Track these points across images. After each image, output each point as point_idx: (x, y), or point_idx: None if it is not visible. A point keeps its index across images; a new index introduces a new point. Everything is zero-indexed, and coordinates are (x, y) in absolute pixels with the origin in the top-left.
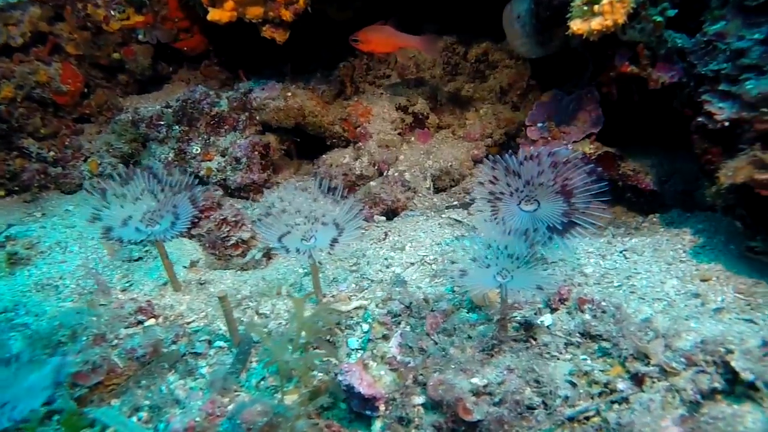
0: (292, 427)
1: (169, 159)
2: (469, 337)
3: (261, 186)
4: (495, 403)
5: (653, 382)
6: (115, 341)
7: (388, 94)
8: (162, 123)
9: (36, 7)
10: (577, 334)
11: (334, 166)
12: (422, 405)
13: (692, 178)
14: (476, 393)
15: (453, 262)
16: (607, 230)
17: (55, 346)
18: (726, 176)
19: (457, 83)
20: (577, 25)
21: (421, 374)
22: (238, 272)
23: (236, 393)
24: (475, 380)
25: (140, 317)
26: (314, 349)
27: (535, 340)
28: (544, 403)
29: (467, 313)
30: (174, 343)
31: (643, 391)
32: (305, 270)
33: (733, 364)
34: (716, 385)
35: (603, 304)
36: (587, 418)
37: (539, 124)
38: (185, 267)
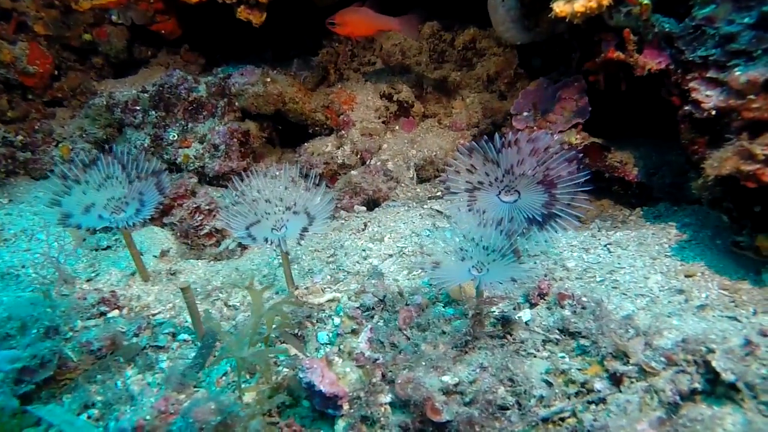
0: (246, 426)
1: (146, 145)
2: (444, 332)
3: (240, 174)
4: (466, 402)
5: (631, 383)
6: (70, 334)
7: (372, 82)
8: (138, 108)
9: None
10: (556, 331)
11: (315, 155)
12: (389, 404)
13: (681, 170)
14: (446, 392)
15: (428, 255)
16: (593, 223)
17: (1, 339)
18: (712, 167)
19: (443, 71)
20: (560, 7)
21: (390, 371)
22: (211, 262)
23: (195, 389)
24: (446, 378)
25: (103, 308)
26: (281, 343)
27: (511, 336)
28: (517, 403)
29: (443, 307)
30: (136, 335)
31: (620, 392)
32: (281, 261)
33: (714, 363)
34: (696, 385)
35: (584, 299)
36: (562, 419)
37: (525, 114)
38: (155, 256)
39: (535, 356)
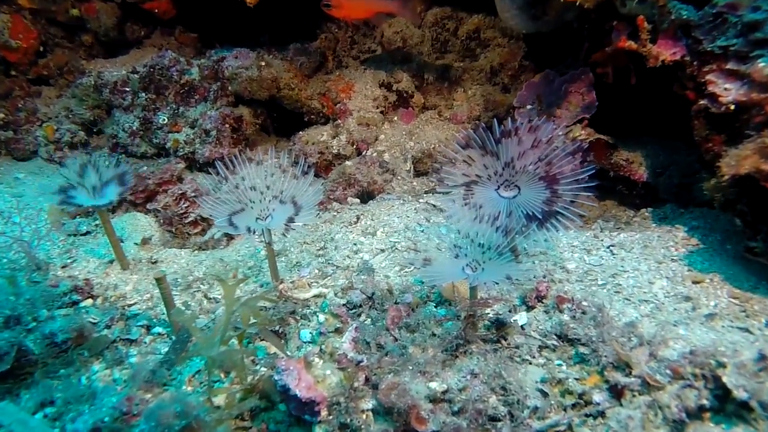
0: None
1: (134, 128)
2: (434, 334)
3: (227, 160)
4: (454, 411)
5: (634, 396)
6: (33, 324)
7: (371, 70)
8: (127, 90)
9: None
10: (554, 337)
11: (309, 144)
12: (372, 410)
13: (690, 170)
14: (433, 399)
15: (421, 251)
16: (595, 224)
17: None
18: (728, 166)
19: (445, 61)
20: None
21: (375, 374)
22: (195, 252)
23: (163, 388)
24: (433, 385)
25: (75, 297)
26: (261, 340)
27: (506, 340)
28: (510, 413)
29: (435, 307)
30: (108, 327)
31: (621, 406)
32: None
33: (725, 379)
34: (704, 402)
35: (584, 304)
36: None
37: (528, 107)
38: (137, 244)
39: (530, 363)
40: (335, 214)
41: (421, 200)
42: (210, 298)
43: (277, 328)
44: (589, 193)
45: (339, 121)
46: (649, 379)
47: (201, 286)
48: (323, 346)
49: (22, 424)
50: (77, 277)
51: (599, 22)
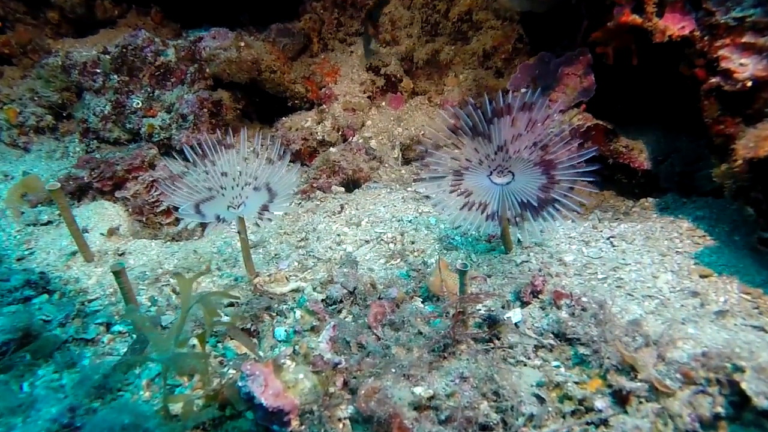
0: None
1: (106, 113)
2: (420, 333)
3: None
4: (441, 420)
5: (640, 403)
6: None
7: (358, 53)
8: (98, 71)
9: None
10: (551, 335)
11: (293, 130)
12: (349, 419)
13: (693, 158)
14: (418, 407)
15: (413, 242)
16: (592, 214)
17: None
18: (745, 148)
19: (435, 44)
20: None
21: (354, 377)
22: (167, 243)
23: (118, 394)
24: (418, 390)
25: (28, 292)
26: (230, 339)
27: (498, 339)
28: (503, 421)
29: (422, 302)
30: (62, 325)
31: (626, 413)
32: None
33: (743, 385)
34: (719, 409)
35: (583, 300)
36: None
37: (523, 90)
38: (103, 234)
39: (525, 365)
40: (318, 203)
41: (409, 189)
42: (179, 293)
43: (249, 325)
44: (590, 179)
45: (324, 106)
46: (658, 384)
47: (171, 279)
48: (297, 347)
49: None
50: (33, 270)
51: None
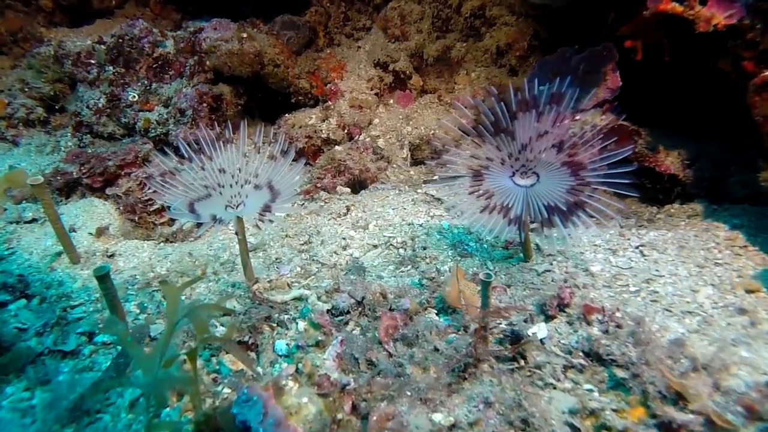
0: None
1: (100, 106)
2: (436, 349)
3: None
4: None
5: None
6: None
7: (366, 48)
8: (93, 62)
9: None
10: (581, 354)
11: (296, 127)
12: None
13: (723, 162)
14: None
15: (424, 248)
16: (612, 221)
17: None
18: None
19: (447, 41)
20: None
21: (364, 400)
22: (161, 244)
23: (97, 416)
24: (437, 417)
25: (5, 297)
26: (225, 353)
27: (524, 358)
28: None
29: (436, 314)
30: (39, 334)
31: None
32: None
33: None
34: None
35: (617, 315)
36: None
37: (540, 89)
38: (91, 234)
39: (554, 387)
40: (323, 204)
41: (419, 191)
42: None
43: (247, 338)
44: (627, 180)
45: (329, 102)
46: (717, 418)
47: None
48: (301, 365)
49: None
50: (12, 272)
51: None
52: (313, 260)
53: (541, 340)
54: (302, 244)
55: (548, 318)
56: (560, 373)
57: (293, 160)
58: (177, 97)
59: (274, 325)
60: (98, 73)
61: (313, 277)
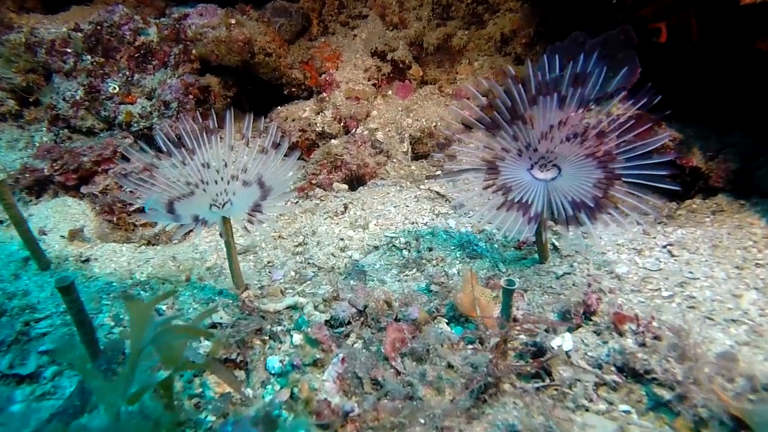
0: None
1: (78, 98)
2: (450, 366)
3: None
4: None
5: None
6: None
7: (362, 36)
8: (69, 51)
9: None
10: (613, 369)
11: (289, 120)
12: None
13: (750, 154)
14: None
15: (430, 249)
16: (627, 218)
17: None
18: None
19: (447, 29)
20: None
21: (371, 429)
22: (142, 247)
23: None
24: None
25: None
26: (209, 374)
27: (549, 375)
28: None
29: (447, 324)
30: None
31: None
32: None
33: None
34: None
35: (654, 325)
36: None
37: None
38: (63, 237)
39: (586, 409)
40: (318, 202)
41: (422, 187)
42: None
43: (235, 355)
44: (665, 172)
45: (324, 94)
46: None
47: (142, 292)
48: (297, 389)
49: None
50: None
51: None
52: (309, 263)
53: (566, 352)
54: (296, 246)
55: (572, 327)
56: (592, 391)
57: (285, 155)
58: (161, 88)
59: (266, 338)
60: (75, 62)
61: (308, 282)
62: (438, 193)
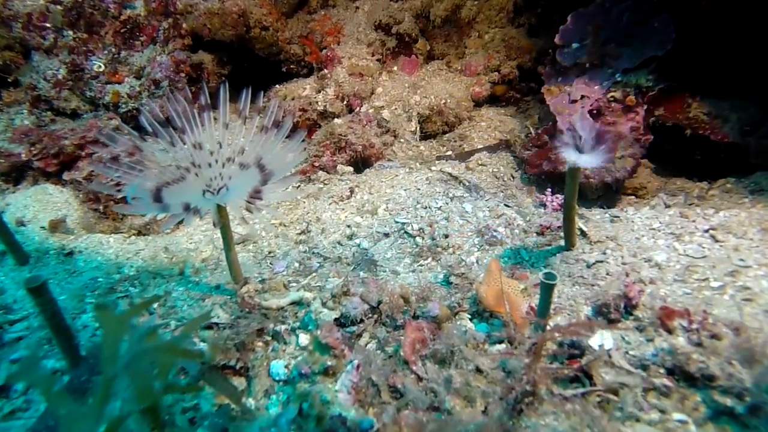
0: None
1: (60, 77)
2: (479, 370)
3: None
4: None
5: None
6: None
7: (365, 9)
8: (48, 25)
9: None
10: (661, 372)
11: (289, 99)
12: None
13: None
14: None
15: (446, 236)
16: (656, 198)
17: None
18: None
19: None
20: None
21: None
22: (132, 238)
23: None
24: None
25: None
26: (205, 384)
27: (590, 379)
28: None
29: (471, 320)
30: None
31: None
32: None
33: None
34: None
35: (708, 322)
36: None
37: (574, 45)
38: (44, 228)
39: (637, 419)
40: (321, 186)
41: (433, 168)
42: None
43: (234, 361)
44: None
45: (325, 70)
46: None
47: (131, 288)
48: (307, 403)
49: None
50: None
51: None
52: (314, 253)
53: (607, 351)
54: (299, 234)
55: (610, 322)
56: (641, 398)
57: (288, 135)
58: (150, 66)
59: (269, 339)
60: (55, 38)
61: (314, 274)
62: (451, 174)
